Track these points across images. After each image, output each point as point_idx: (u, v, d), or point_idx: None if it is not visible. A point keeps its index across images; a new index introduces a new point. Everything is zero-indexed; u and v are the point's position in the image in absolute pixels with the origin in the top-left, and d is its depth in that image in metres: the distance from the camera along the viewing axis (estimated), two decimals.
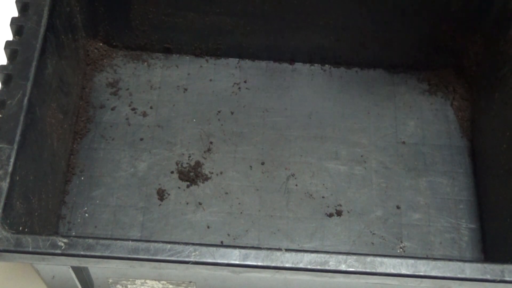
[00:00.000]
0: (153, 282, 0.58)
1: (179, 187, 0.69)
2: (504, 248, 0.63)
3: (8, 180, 0.53)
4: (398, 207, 0.69)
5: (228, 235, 0.67)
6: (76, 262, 0.51)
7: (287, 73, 0.77)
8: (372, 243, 0.67)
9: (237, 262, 0.50)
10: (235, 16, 0.73)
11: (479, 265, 0.51)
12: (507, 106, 0.66)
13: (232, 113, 0.74)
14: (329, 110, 0.75)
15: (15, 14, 0.61)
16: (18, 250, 0.50)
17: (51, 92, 0.63)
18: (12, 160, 0.53)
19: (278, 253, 0.50)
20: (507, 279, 0.50)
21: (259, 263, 0.50)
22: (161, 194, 0.69)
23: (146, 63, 0.77)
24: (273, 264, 0.50)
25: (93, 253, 0.50)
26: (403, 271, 0.50)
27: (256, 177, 0.70)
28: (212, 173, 0.70)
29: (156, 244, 0.50)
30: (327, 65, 0.77)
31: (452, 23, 0.72)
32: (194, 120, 0.73)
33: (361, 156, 0.72)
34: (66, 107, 0.68)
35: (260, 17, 0.73)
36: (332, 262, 0.50)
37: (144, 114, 0.73)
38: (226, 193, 0.68)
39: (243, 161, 0.71)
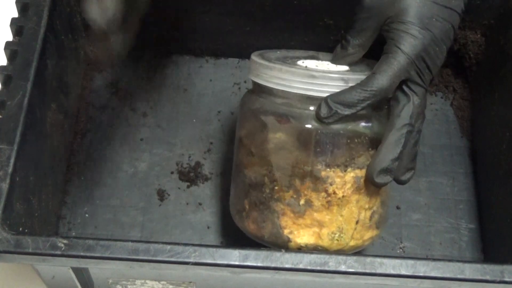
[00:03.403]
0: (153, 282, 0.58)
1: (179, 188, 0.69)
2: (504, 248, 0.63)
3: (8, 181, 0.53)
4: (398, 207, 0.69)
5: (228, 235, 0.67)
6: (76, 263, 0.52)
7: None
8: (372, 244, 0.67)
9: (237, 263, 0.50)
10: (235, 16, 0.73)
11: (479, 265, 0.51)
12: (507, 106, 0.66)
13: (232, 113, 0.74)
14: None
15: (15, 14, 0.61)
16: (18, 251, 0.50)
17: (51, 92, 0.63)
18: (12, 160, 0.53)
19: (278, 254, 0.50)
20: (507, 279, 0.50)
21: (259, 264, 0.50)
22: (161, 195, 0.69)
23: (146, 63, 0.77)
24: (273, 265, 0.50)
25: (93, 254, 0.50)
26: (403, 272, 0.50)
27: None
28: (212, 173, 0.70)
29: (156, 245, 0.50)
30: None
31: None
32: (194, 120, 0.73)
33: None
34: (66, 107, 0.68)
35: (260, 17, 0.73)
36: (332, 262, 0.50)
37: (144, 114, 0.73)
38: (226, 193, 0.68)
39: None
